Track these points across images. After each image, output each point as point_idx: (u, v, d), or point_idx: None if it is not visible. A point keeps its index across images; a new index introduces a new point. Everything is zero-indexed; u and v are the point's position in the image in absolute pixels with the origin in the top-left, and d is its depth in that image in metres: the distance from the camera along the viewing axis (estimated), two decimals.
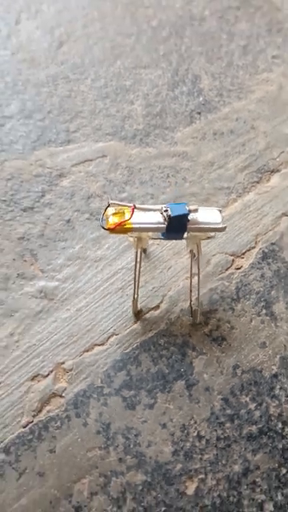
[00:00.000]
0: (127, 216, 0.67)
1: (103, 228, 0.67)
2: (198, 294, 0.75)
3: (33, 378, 0.71)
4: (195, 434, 0.69)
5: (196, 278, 0.75)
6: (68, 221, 0.84)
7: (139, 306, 0.77)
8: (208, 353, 0.74)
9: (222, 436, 0.69)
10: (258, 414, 0.70)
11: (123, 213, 0.67)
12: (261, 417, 0.70)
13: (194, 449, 0.68)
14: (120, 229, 0.67)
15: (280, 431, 0.69)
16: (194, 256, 0.75)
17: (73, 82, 1.00)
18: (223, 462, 0.67)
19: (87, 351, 0.73)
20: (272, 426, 0.70)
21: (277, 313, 0.78)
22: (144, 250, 0.81)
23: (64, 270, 0.79)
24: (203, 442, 0.68)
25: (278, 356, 0.74)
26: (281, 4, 1.18)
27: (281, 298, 0.79)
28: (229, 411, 0.70)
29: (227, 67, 1.05)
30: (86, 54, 1.04)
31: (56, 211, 0.84)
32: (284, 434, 0.69)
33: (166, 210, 0.67)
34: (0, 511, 0.63)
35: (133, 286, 0.75)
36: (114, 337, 0.75)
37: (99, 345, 0.74)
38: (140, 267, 0.73)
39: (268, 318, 0.77)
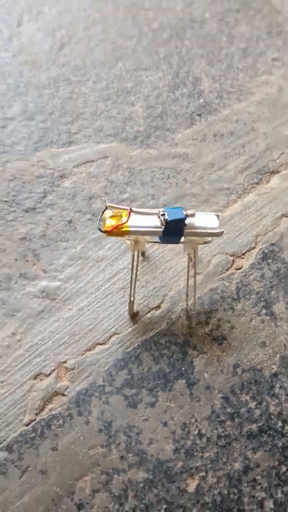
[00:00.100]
0: (124, 219, 0.67)
1: (100, 230, 0.68)
2: (194, 298, 0.76)
3: (35, 377, 0.72)
4: (196, 432, 0.69)
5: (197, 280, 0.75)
6: (70, 221, 0.84)
7: (135, 308, 0.77)
8: (208, 352, 0.75)
9: (223, 434, 0.69)
10: (258, 412, 0.71)
11: (121, 216, 0.68)
12: (261, 415, 0.71)
13: (195, 447, 0.68)
14: (117, 232, 0.68)
15: (280, 429, 0.70)
16: (191, 260, 0.75)
17: (74, 84, 1.01)
18: (224, 459, 0.68)
19: (89, 350, 0.74)
20: (272, 425, 0.70)
21: (277, 312, 0.78)
22: (142, 253, 0.82)
23: (66, 270, 0.80)
24: (204, 440, 0.69)
25: (277, 355, 0.75)
26: (281, 7, 1.19)
27: (281, 297, 0.80)
28: (229, 410, 0.71)
29: (227, 69, 1.06)
30: (87, 56, 1.05)
31: (58, 212, 0.85)
32: (284, 432, 0.70)
33: (163, 214, 0.67)
34: (3, 508, 0.63)
35: (131, 287, 0.76)
36: (116, 336, 0.75)
37: (101, 344, 0.75)
38: (137, 270, 0.73)
39: (268, 317, 0.78)
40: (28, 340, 0.74)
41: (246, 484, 0.67)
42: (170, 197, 0.88)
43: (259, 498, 0.66)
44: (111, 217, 0.68)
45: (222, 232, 0.70)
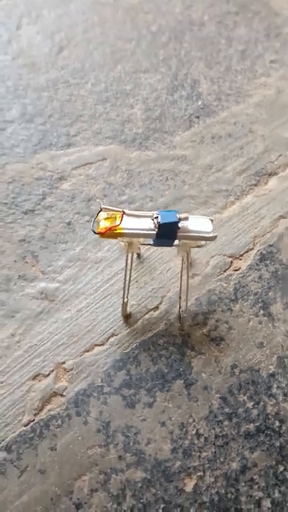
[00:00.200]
0: (118, 221, 0.68)
1: (94, 232, 0.68)
2: (187, 302, 0.76)
3: (34, 378, 0.72)
4: (194, 432, 0.70)
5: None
6: (68, 223, 0.85)
7: (129, 310, 0.78)
8: (206, 353, 0.75)
9: (220, 434, 0.70)
10: (255, 412, 0.71)
11: (115, 218, 0.68)
12: (258, 415, 0.71)
13: (193, 446, 0.69)
14: (110, 233, 0.68)
15: (277, 429, 0.70)
16: (185, 263, 0.76)
17: (73, 87, 1.01)
18: (221, 459, 0.68)
19: (87, 351, 0.74)
20: (269, 425, 0.71)
21: (274, 313, 0.79)
22: (138, 255, 0.82)
23: (65, 271, 0.81)
24: (202, 439, 0.69)
25: (275, 356, 0.76)
26: (279, 9, 1.19)
27: (278, 298, 0.80)
28: (227, 410, 0.71)
29: (226, 72, 1.07)
30: (86, 59, 1.06)
31: (57, 214, 0.86)
32: (281, 432, 0.70)
33: (157, 217, 0.68)
34: (2, 508, 0.64)
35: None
36: (114, 337, 0.76)
37: (99, 345, 0.75)
38: (131, 272, 0.74)
39: (266, 318, 0.78)
40: (27, 341, 0.75)
41: (243, 483, 0.67)
42: (169, 199, 0.89)
43: (257, 498, 0.66)
44: (105, 219, 0.68)
45: (215, 236, 0.70)
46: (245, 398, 0.72)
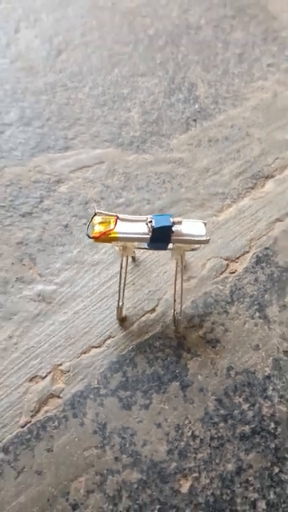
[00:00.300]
0: (112, 225, 0.68)
1: (88, 236, 0.68)
2: (181, 305, 0.77)
3: (31, 380, 0.73)
4: (189, 433, 0.70)
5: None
6: (66, 226, 0.85)
7: (124, 313, 0.78)
8: (202, 355, 0.76)
9: (216, 436, 0.70)
10: (251, 414, 0.72)
11: (109, 222, 0.69)
12: (254, 417, 0.72)
13: (189, 448, 0.69)
14: (105, 238, 0.69)
15: (272, 431, 0.71)
16: (179, 266, 0.76)
17: (71, 90, 1.02)
18: (217, 460, 0.69)
19: (84, 353, 0.75)
20: (265, 426, 0.71)
21: (270, 316, 0.79)
22: (133, 258, 0.83)
23: (62, 273, 0.81)
24: (197, 441, 0.70)
25: (270, 358, 0.76)
26: (277, 13, 1.20)
27: (274, 301, 0.80)
28: (222, 411, 0.72)
29: (223, 75, 1.07)
30: (84, 63, 1.06)
31: (54, 216, 0.86)
32: (276, 433, 0.71)
33: (151, 221, 0.68)
34: None
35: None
36: (111, 339, 0.76)
37: (96, 347, 0.76)
38: (126, 275, 0.74)
39: (261, 320, 0.79)
40: (24, 343, 0.75)
41: (238, 485, 0.68)
42: (165, 201, 0.89)
43: (252, 499, 0.67)
44: (100, 223, 0.69)
45: (209, 240, 0.71)
46: (240, 399, 0.73)
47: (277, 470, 0.69)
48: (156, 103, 1.01)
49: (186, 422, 0.71)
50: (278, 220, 0.89)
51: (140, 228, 0.69)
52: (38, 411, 0.71)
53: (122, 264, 0.73)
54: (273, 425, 0.71)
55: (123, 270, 0.73)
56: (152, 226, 0.68)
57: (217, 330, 0.78)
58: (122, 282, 0.74)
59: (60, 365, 0.74)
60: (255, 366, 0.75)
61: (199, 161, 0.95)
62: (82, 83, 1.03)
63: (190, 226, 0.71)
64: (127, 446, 0.69)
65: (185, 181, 0.92)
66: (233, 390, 0.73)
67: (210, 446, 0.69)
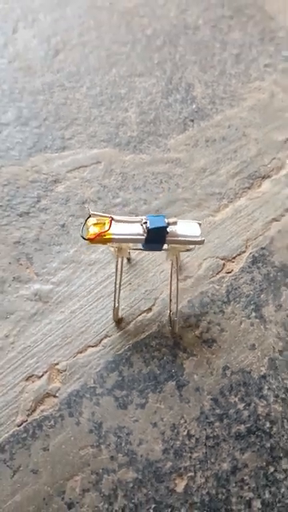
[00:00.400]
0: (107, 227, 0.68)
1: (83, 238, 0.69)
2: (177, 305, 0.77)
3: (27, 379, 0.73)
4: (185, 432, 0.70)
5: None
6: (63, 225, 0.86)
7: (120, 314, 0.78)
8: (198, 354, 0.76)
9: (211, 435, 0.70)
10: (246, 413, 0.72)
11: (104, 223, 0.69)
12: (249, 416, 0.72)
13: (184, 447, 0.69)
14: (100, 239, 0.68)
15: (268, 430, 0.71)
16: (174, 267, 0.77)
17: (68, 90, 1.02)
18: (212, 460, 0.69)
19: (81, 352, 0.75)
20: (260, 426, 0.71)
21: (266, 315, 0.79)
22: (128, 259, 0.83)
23: (58, 273, 0.81)
24: (193, 440, 0.70)
25: (266, 358, 0.76)
26: (274, 13, 1.20)
27: (270, 301, 0.81)
28: (218, 411, 0.72)
29: (220, 75, 1.08)
30: (81, 63, 1.06)
31: (51, 216, 0.86)
32: (272, 433, 0.71)
33: (146, 222, 0.69)
34: None
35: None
36: (107, 338, 0.76)
37: (92, 346, 0.76)
38: (121, 276, 0.75)
39: (257, 320, 0.79)
40: (21, 342, 0.75)
41: (234, 484, 0.68)
42: (162, 201, 0.89)
43: (247, 498, 0.67)
44: (95, 224, 0.69)
45: (204, 240, 0.71)
46: (236, 399, 0.73)
47: (272, 469, 0.69)
48: (153, 103, 1.02)
49: (182, 421, 0.71)
50: (275, 220, 0.89)
51: (135, 229, 0.69)
52: (34, 410, 0.71)
53: (117, 266, 0.73)
54: (268, 424, 0.72)
55: (118, 272, 0.73)
56: (147, 227, 0.68)
57: (213, 330, 0.78)
58: (118, 283, 0.74)
59: (56, 364, 0.74)
60: (251, 366, 0.76)
61: (196, 161, 0.95)
62: (79, 83, 1.03)
63: (184, 227, 0.71)
64: (123, 445, 0.69)
65: (182, 181, 0.92)
66: (228, 389, 0.74)
67: (205, 445, 0.70)
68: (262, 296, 0.81)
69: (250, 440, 0.70)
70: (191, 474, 0.68)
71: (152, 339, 0.77)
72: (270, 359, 0.76)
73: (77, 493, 0.66)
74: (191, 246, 0.74)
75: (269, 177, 0.94)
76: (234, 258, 0.85)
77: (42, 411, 0.71)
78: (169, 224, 0.69)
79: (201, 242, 0.71)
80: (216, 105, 1.03)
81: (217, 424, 0.71)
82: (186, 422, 0.71)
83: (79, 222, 0.86)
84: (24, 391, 0.72)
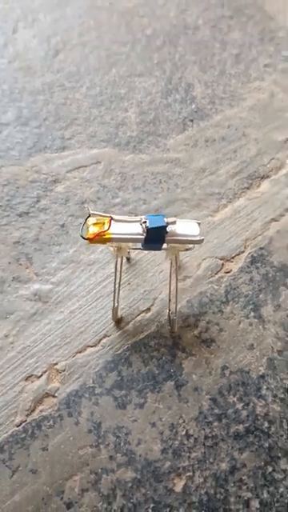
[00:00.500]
0: (106, 227, 0.69)
1: (83, 238, 0.69)
2: (176, 304, 0.77)
3: (27, 379, 0.73)
4: (184, 432, 0.70)
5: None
6: (62, 225, 0.86)
7: (119, 314, 0.79)
8: (197, 354, 0.76)
9: (210, 435, 0.70)
10: (245, 413, 0.72)
11: (103, 223, 0.69)
12: (248, 416, 0.72)
13: (183, 447, 0.69)
14: (99, 239, 0.68)
15: (266, 430, 0.71)
16: (173, 266, 0.77)
17: (68, 90, 1.02)
18: (211, 460, 0.69)
19: (80, 352, 0.75)
20: (258, 426, 0.72)
21: (265, 315, 0.80)
22: (127, 259, 0.83)
23: (58, 273, 0.82)
24: (191, 440, 0.70)
25: (265, 357, 0.76)
26: (273, 13, 1.20)
27: (269, 301, 0.81)
28: (216, 411, 0.72)
29: (220, 75, 1.08)
30: (81, 63, 1.06)
31: (51, 216, 0.86)
32: (270, 433, 0.71)
33: (145, 222, 0.69)
34: None
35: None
36: (106, 338, 0.77)
37: (91, 346, 0.76)
38: (121, 276, 0.75)
39: (256, 320, 0.79)
40: (20, 342, 0.76)
41: (232, 484, 0.68)
42: (162, 201, 0.89)
43: (245, 498, 0.67)
44: (94, 224, 0.69)
45: (202, 240, 0.71)
46: (234, 399, 0.73)
47: (270, 469, 0.69)
48: (153, 103, 1.02)
49: (181, 421, 0.71)
50: (273, 220, 0.89)
51: (134, 229, 0.69)
52: (33, 410, 0.71)
53: (116, 266, 0.73)
54: (266, 424, 0.72)
55: (118, 272, 0.73)
56: (146, 227, 0.68)
57: (212, 330, 0.78)
58: (117, 282, 0.74)
59: (55, 364, 0.74)
60: (249, 366, 0.76)
61: (196, 161, 0.95)
62: (79, 83, 1.03)
63: (183, 227, 0.71)
64: (122, 444, 0.69)
65: (181, 181, 0.92)
66: (227, 389, 0.74)
67: (204, 445, 0.70)
68: (260, 296, 0.81)
69: (249, 440, 0.71)
70: (190, 473, 0.68)
71: (151, 339, 0.77)
72: (269, 359, 0.76)
73: (76, 492, 0.66)
74: (190, 246, 0.74)
75: (268, 177, 0.94)
76: (232, 257, 0.85)
77: (41, 411, 0.71)
78: (168, 223, 0.69)
79: (200, 242, 0.71)
80: (216, 105, 1.03)
81: (215, 424, 0.71)
82: (184, 421, 0.71)
83: (79, 222, 0.86)
84: (23, 391, 0.72)
